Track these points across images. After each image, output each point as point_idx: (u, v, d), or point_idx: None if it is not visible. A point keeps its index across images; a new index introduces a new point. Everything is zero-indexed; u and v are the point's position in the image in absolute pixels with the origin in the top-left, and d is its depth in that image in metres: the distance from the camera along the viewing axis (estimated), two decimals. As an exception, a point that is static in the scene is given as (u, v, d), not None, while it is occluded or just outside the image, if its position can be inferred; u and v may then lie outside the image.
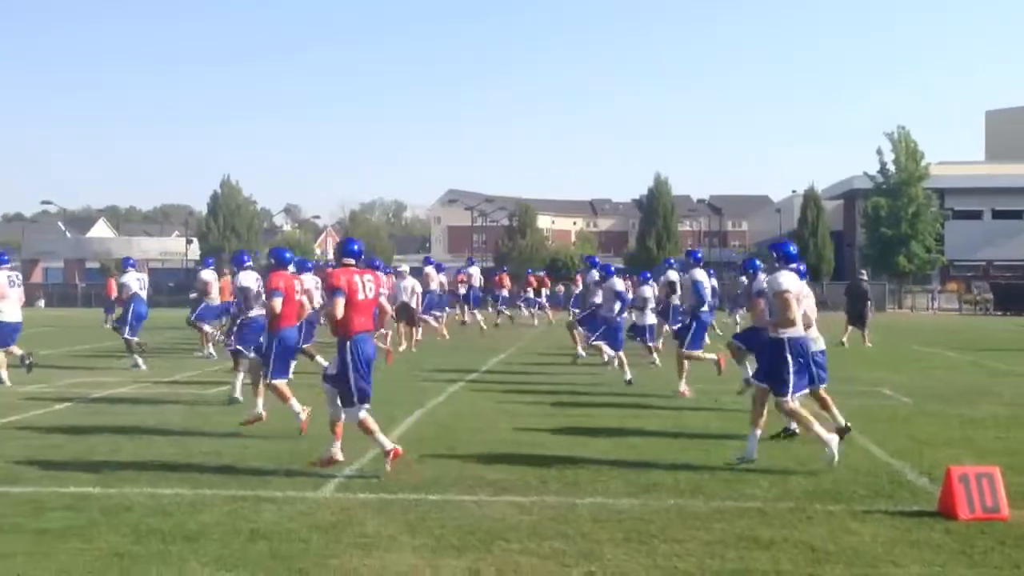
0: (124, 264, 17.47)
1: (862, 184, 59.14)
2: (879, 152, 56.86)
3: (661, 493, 7.01)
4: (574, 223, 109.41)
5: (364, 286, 7.64)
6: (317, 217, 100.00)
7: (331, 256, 52.55)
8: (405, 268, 21.65)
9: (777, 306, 8.06)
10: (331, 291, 7.51)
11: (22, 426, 9.85)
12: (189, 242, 63.00)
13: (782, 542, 5.77)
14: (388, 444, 7.54)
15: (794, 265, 8.48)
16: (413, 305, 20.03)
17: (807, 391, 8.36)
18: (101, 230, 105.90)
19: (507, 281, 33.48)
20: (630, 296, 16.33)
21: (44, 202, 71.50)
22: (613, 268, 15.68)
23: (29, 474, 7.45)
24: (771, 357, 8.11)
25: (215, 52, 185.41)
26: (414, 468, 7.78)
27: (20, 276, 14.38)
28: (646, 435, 9.65)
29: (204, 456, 8.23)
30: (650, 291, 16.70)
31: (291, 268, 10.08)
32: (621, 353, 14.28)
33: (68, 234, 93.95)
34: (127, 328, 16.37)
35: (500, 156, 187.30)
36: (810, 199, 62.87)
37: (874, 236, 56.78)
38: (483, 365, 16.84)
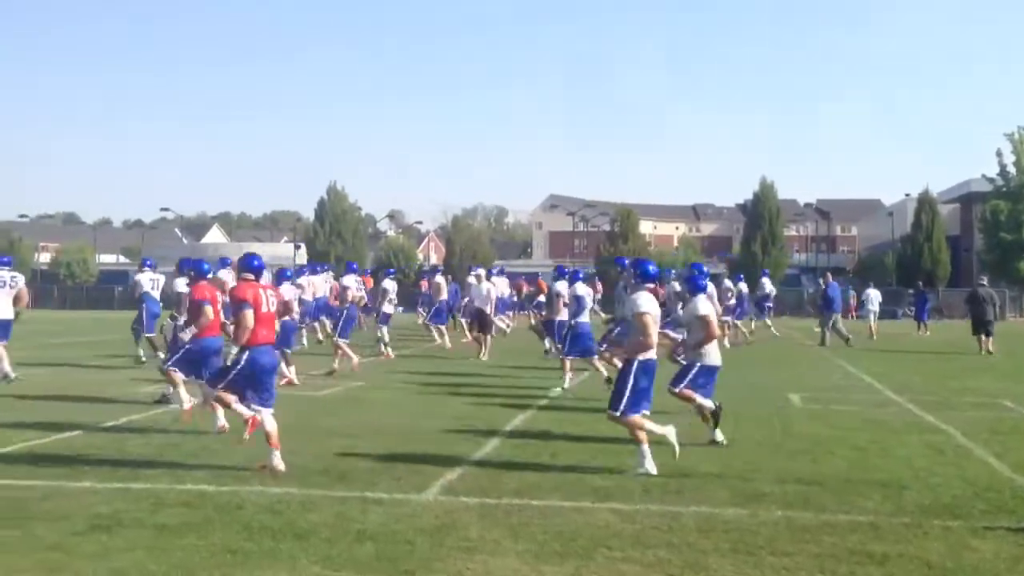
0: (142, 263, 18.18)
1: (980, 187, 56.79)
2: (998, 154, 54.43)
3: (768, 504, 6.86)
4: (676, 228, 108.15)
5: (267, 300, 8.10)
6: (420, 223, 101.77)
7: (424, 263, 53.26)
8: (482, 272, 21.68)
9: (636, 327, 7.99)
10: (239, 304, 7.93)
11: (143, 425, 10.25)
12: (297, 247, 64.65)
13: (896, 558, 5.57)
14: (247, 413, 8.07)
15: (652, 285, 8.36)
16: (488, 311, 20.15)
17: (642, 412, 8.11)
18: (215, 236, 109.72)
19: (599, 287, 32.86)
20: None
21: (163, 209, 74.88)
22: (581, 274, 15.50)
23: (149, 471, 7.75)
24: (622, 373, 8.08)
25: (323, 60, 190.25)
26: (517, 474, 7.80)
27: (17, 278, 14.51)
28: (751, 444, 9.47)
29: (313, 457, 8.42)
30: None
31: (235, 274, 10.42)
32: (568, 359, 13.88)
33: (184, 240, 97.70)
34: (144, 327, 17.11)
35: (602, 161, 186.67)
36: (925, 202, 60.71)
37: (992, 241, 54.42)
38: (584, 371, 16.76)
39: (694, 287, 9.74)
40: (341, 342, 15.94)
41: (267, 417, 7.95)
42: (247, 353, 7.92)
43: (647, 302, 7.98)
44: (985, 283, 24.73)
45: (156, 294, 17.46)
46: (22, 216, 77.07)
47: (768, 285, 29.93)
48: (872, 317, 30.27)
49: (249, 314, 7.83)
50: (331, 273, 25.19)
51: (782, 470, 8.07)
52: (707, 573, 5.28)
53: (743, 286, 26.23)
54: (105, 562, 5.30)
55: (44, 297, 56.31)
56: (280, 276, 14.49)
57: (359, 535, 5.90)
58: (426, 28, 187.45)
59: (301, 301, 18.64)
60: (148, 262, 18.20)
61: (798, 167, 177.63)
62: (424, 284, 30.14)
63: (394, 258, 60.76)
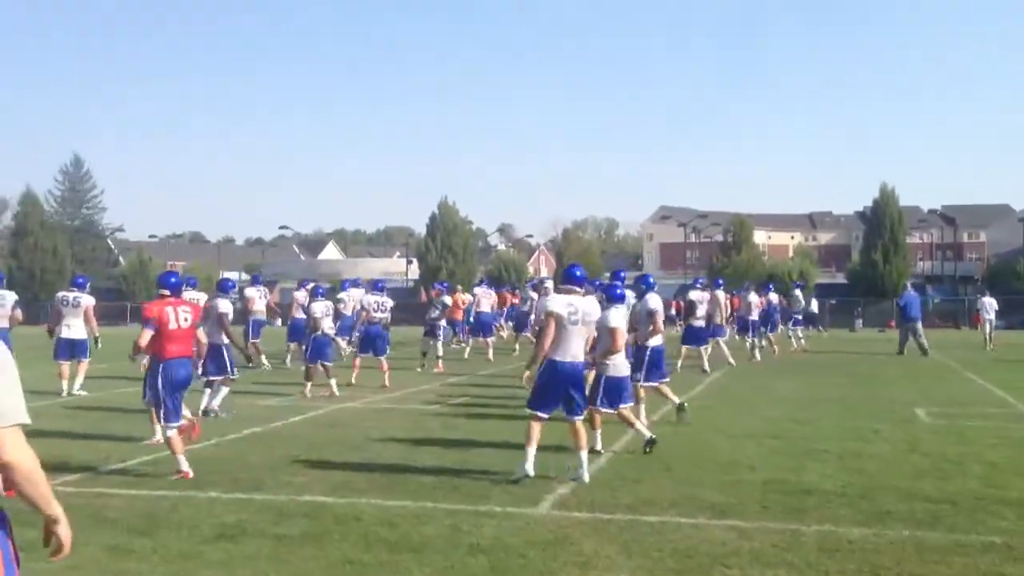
0: (252, 279, 21.40)
1: (1120, 189, 53.68)
2: None
3: (895, 523, 6.59)
4: (791, 237, 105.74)
5: (177, 317, 8.52)
6: (530, 236, 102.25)
7: (541, 274, 53.71)
8: (549, 285, 21.66)
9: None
10: (143, 322, 8.53)
11: (264, 437, 10.58)
12: (409, 262, 65.82)
13: (1035, 582, 5.28)
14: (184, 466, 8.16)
15: (579, 289, 8.40)
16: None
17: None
18: (330, 252, 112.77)
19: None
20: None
21: (281, 227, 76.88)
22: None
23: (271, 482, 7.98)
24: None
25: (436, 76, 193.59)
26: (630, 488, 7.72)
27: (9, 297, 14.81)
28: (875, 459, 9.14)
29: (427, 469, 8.52)
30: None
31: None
32: None
33: (302, 256, 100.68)
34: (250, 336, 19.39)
35: (713, 171, 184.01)
36: (1059, 206, 57.66)
37: None
38: (697, 384, 16.52)
39: (611, 297, 9.50)
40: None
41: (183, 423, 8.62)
42: (160, 366, 8.40)
43: (554, 303, 8.18)
44: None
45: (262, 305, 20.47)
46: (152, 236, 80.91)
47: (800, 298, 28.51)
48: (988, 327, 29.23)
49: (147, 332, 8.40)
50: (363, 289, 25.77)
51: (909, 488, 7.75)
52: (830, 594, 5.10)
53: (774, 296, 25.27)
54: (230, 571, 5.47)
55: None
56: (314, 293, 15.95)
57: (472, 548, 5.93)
58: (535, 43, 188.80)
59: (339, 315, 19.65)
60: (257, 278, 20.93)
61: (921, 172, 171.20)
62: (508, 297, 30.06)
63: (504, 272, 61.13)
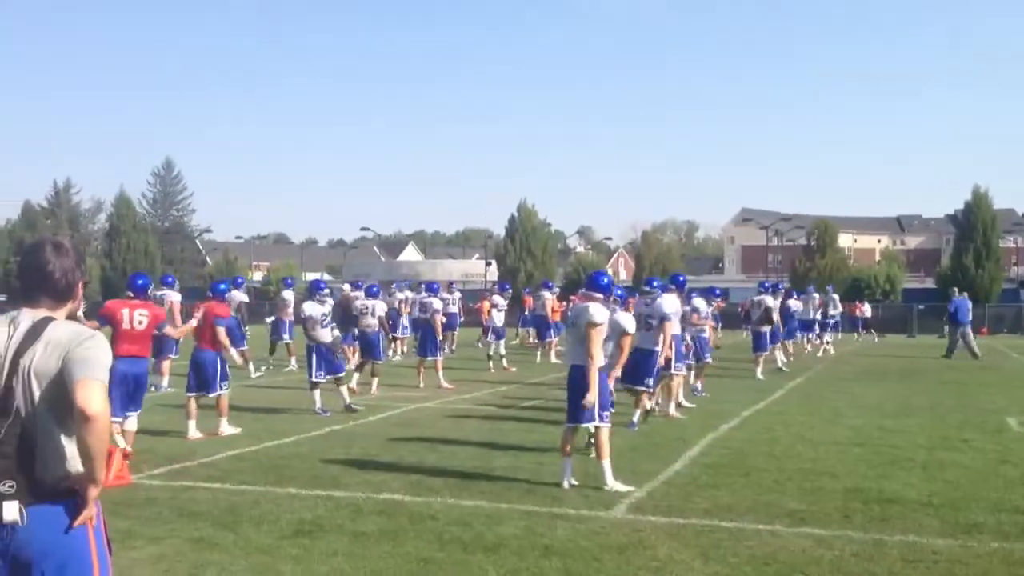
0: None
1: None
2: None
3: (982, 535, 6.37)
4: (878, 241, 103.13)
5: (133, 318, 8.89)
6: (609, 238, 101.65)
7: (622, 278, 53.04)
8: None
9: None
10: (98, 318, 9.02)
11: (343, 435, 10.74)
12: (488, 264, 66.09)
13: None
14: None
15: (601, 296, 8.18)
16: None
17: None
18: (410, 254, 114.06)
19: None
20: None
21: (363, 228, 78.20)
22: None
23: (348, 479, 8.10)
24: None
25: (515, 79, 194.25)
26: (707, 494, 7.62)
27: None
28: (963, 468, 8.85)
29: (502, 470, 8.54)
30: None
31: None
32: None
33: (382, 258, 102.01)
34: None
35: (797, 173, 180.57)
36: None
37: None
38: (777, 389, 16.23)
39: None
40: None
41: (128, 422, 8.81)
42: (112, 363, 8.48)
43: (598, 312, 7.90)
44: None
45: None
46: (238, 237, 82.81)
47: (815, 301, 26.88)
48: None
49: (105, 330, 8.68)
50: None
51: (998, 499, 7.49)
52: (913, 607, 4.95)
53: (793, 303, 23.37)
54: (307, 565, 5.57)
55: (258, 312, 60.11)
56: (369, 291, 15.62)
57: (546, 550, 5.93)
58: (615, 44, 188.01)
59: (391, 314, 19.71)
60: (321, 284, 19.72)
61: (1016, 173, 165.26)
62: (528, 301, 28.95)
63: (584, 274, 60.98)
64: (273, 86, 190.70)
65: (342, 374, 12.75)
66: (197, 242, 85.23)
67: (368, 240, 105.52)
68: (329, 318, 12.97)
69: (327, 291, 13.90)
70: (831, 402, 14.45)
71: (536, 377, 18.28)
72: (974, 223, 56.98)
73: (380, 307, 15.34)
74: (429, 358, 16.14)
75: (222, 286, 12.34)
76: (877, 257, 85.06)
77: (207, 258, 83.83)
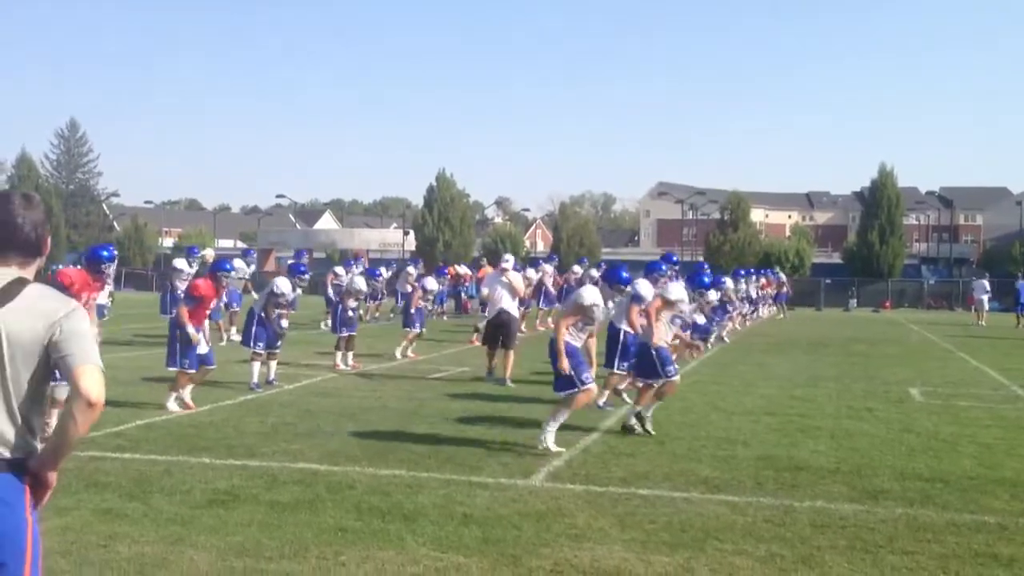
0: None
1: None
2: None
3: (888, 501, 6.60)
4: (789, 216, 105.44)
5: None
6: (527, 210, 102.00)
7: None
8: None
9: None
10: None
11: (259, 404, 10.55)
12: (406, 233, 65.60)
13: (1026, 561, 5.28)
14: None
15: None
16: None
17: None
18: (327, 222, 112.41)
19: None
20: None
21: (278, 196, 76.76)
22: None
23: (264, 449, 7.96)
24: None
25: (434, 48, 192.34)
26: (624, 462, 7.72)
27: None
28: (868, 436, 9.16)
29: (421, 439, 8.51)
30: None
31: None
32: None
33: (298, 226, 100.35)
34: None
35: (712, 148, 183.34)
36: (1056, 190, 57.64)
37: None
38: (691, 360, 16.52)
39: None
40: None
41: (59, 390, 8.30)
42: None
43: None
44: None
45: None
46: (147, 202, 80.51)
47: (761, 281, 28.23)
48: (981, 307, 32.68)
49: None
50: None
51: (902, 467, 7.77)
52: (822, 570, 5.10)
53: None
54: (222, 536, 5.46)
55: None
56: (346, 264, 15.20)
57: (466, 518, 5.92)
58: (534, 18, 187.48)
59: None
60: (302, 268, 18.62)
61: (920, 153, 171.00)
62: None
63: (501, 245, 61.03)
64: (184, 45, 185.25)
65: (278, 350, 12.32)
66: (104, 206, 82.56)
67: (284, 208, 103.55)
68: (295, 305, 12.69)
69: (307, 277, 13.49)
70: (743, 373, 14.79)
71: (454, 348, 18.26)
72: (879, 201, 58.75)
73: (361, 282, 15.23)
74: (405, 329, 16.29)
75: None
76: (787, 232, 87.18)
77: (114, 223, 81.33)
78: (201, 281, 10.73)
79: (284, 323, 12.30)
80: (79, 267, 10.05)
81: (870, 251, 56.62)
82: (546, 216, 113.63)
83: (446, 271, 28.78)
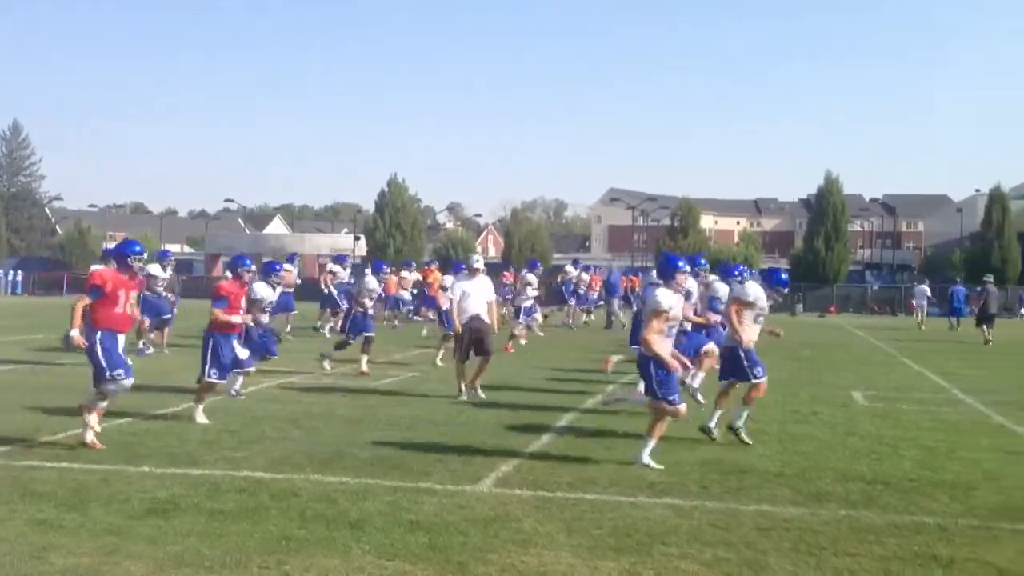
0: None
1: (1054, 182, 55.11)
2: (1075, 148, 52.78)
3: (831, 503, 6.68)
4: (737, 223, 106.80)
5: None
6: (479, 215, 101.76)
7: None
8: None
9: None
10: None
11: (203, 412, 10.34)
12: (357, 238, 65.20)
13: (964, 561, 5.37)
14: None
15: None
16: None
17: None
18: (276, 227, 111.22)
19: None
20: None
21: (226, 200, 75.54)
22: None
23: (207, 457, 7.81)
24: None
25: (385, 52, 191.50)
26: (572, 467, 7.71)
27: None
28: (813, 440, 9.26)
29: (368, 446, 8.42)
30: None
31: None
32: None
33: (247, 230, 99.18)
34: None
35: (662, 155, 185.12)
36: (996, 199, 59.16)
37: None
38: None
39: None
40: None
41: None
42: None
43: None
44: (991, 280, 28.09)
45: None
46: (92, 206, 78.93)
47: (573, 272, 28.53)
48: (922, 312, 34.23)
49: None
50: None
51: (845, 469, 7.87)
52: (767, 573, 5.14)
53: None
54: (160, 546, 5.34)
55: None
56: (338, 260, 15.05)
57: (412, 525, 5.87)
58: (485, 23, 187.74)
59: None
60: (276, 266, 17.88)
61: (864, 161, 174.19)
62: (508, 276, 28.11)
63: (453, 250, 60.89)
64: (129, 48, 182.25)
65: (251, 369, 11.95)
66: (46, 210, 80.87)
67: (232, 212, 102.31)
68: (274, 305, 12.46)
69: (282, 273, 13.16)
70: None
71: (404, 352, 18.15)
72: (825, 208, 59.76)
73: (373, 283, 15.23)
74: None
75: (247, 262, 10.61)
76: (736, 239, 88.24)
77: (57, 227, 79.69)
78: (225, 282, 10.34)
79: (288, 328, 12.29)
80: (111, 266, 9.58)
81: (816, 257, 57.54)
82: (498, 222, 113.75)
83: (384, 266, 28.18)
